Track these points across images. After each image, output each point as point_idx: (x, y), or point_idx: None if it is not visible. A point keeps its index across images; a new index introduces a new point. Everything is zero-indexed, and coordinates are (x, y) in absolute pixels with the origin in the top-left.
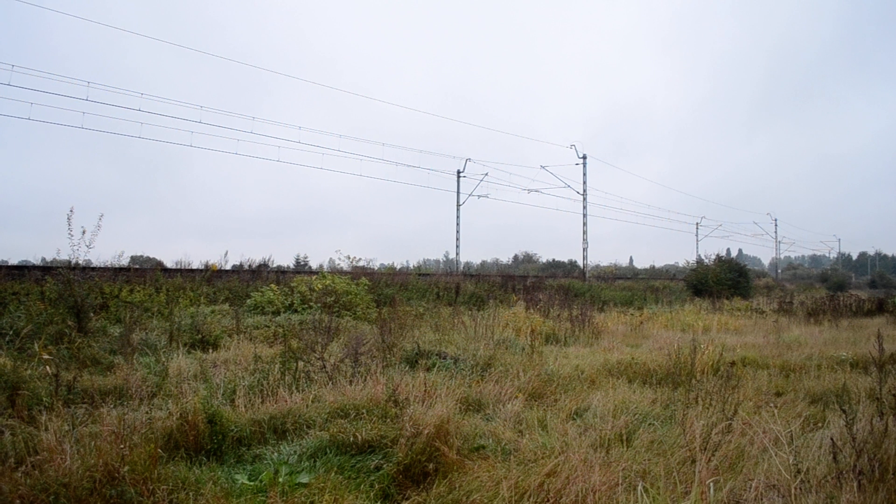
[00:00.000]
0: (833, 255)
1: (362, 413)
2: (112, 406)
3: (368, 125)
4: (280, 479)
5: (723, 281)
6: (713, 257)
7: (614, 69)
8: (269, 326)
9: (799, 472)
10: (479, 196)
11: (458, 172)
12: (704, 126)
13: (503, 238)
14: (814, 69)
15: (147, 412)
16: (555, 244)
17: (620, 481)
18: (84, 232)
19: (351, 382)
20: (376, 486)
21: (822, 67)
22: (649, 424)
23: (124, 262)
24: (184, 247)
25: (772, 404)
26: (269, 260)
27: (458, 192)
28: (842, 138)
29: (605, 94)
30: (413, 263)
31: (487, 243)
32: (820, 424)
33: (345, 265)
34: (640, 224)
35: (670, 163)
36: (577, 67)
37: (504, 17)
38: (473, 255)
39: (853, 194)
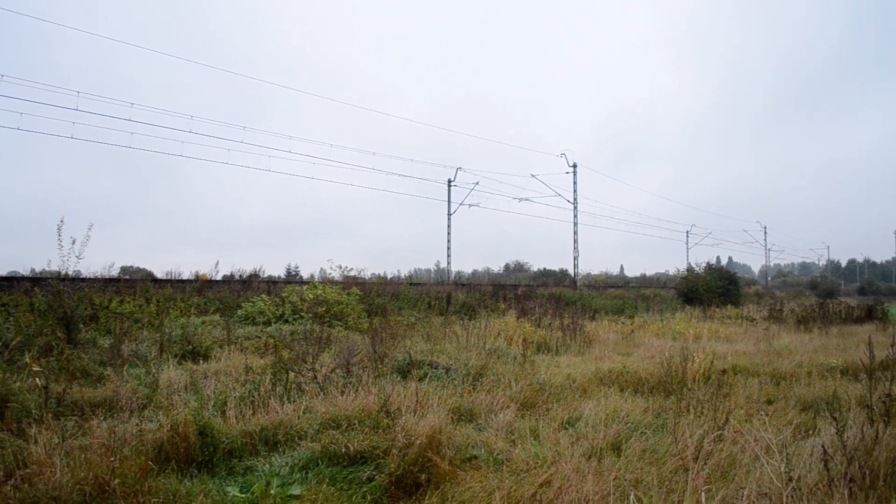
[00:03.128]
0: (822, 262)
1: (354, 424)
2: (102, 418)
3: (368, 136)
4: (272, 491)
5: (713, 289)
6: (703, 265)
7: (625, 77)
8: (259, 337)
9: (790, 479)
10: (469, 205)
11: (449, 182)
12: (712, 133)
13: (495, 247)
14: (820, 75)
15: (137, 424)
16: (546, 253)
17: (613, 490)
18: (74, 242)
19: (342, 393)
20: (368, 498)
21: (829, 73)
22: (641, 433)
23: (114, 272)
24: (174, 257)
25: (763, 412)
26: (259, 270)
27: (449, 202)
28: (842, 145)
29: (614, 103)
30: (404, 273)
31: (479, 252)
32: (811, 432)
33: (336, 275)
34: (631, 233)
35: (677, 171)
36: (587, 76)
37: (512, 29)
38: (465, 264)
39: (845, 202)
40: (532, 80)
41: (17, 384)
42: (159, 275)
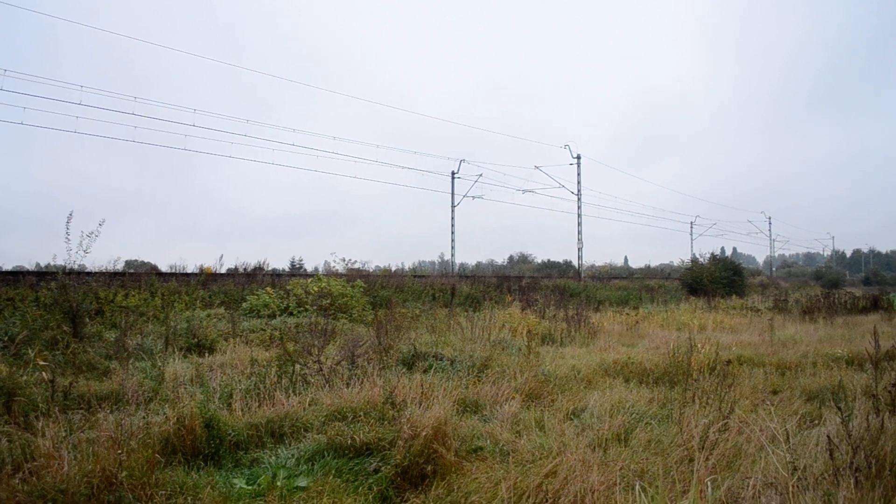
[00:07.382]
0: (827, 252)
1: (359, 416)
2: (109, 411)
3: (380, 129)
4: (278, 483)
5: (718, 279)
6: (708, 256)
7: (649, 67)
8: (265, 330)
9: (796, 469)
10: (473, 197)
11: (453, 174)
12: (724, 125)
13: (499, 239)
14: (829, 72)
15: (144, 417)
16: (550, 244)
17: (618, 481)
18: (87, 235)
19: (348, 385)
20: (374, 489)
21: (837, 70)
22: (646, 424)
23: (119, 266)
24: (179, 251)
25: (768, 402)
26: (264, 263)
27: (453, 194)
28: (848, 134)
29: (636, 92)
30: (408, 265)
31: (483, 244)
32: (816, 422)
33: (340, 268)
34: (636, 224)
35: (689, 162)
36: (617, 67)
37: (527, 22)
38: (469, 256)
39: (849, 192)
40: (556, 72)
41: (24, 378)
42: (164, 268)
